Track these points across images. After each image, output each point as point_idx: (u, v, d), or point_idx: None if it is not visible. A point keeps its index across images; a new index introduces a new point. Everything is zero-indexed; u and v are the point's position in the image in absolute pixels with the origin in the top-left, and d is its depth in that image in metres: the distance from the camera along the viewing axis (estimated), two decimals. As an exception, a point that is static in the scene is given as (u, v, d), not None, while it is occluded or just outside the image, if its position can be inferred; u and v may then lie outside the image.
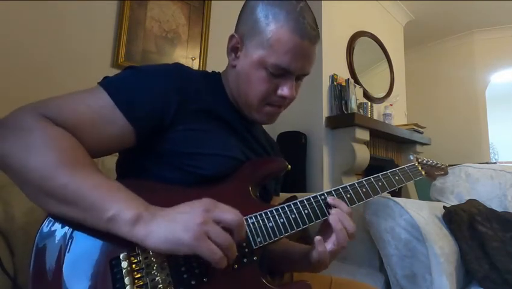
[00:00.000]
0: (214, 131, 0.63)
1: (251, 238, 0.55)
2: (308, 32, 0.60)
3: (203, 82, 0.66)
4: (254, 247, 0.55)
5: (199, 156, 0.59)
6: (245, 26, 0.64)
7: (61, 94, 0.55)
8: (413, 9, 3.47)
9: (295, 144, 2.33)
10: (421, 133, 2.99)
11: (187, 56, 1.98)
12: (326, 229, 0.61)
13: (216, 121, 0.64)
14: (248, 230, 0.55)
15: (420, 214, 1.09)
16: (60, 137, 0.49)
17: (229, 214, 0.48)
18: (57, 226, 0.49)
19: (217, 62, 2.02)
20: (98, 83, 0.57)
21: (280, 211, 0.59)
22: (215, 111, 0.64)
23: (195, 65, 2.01)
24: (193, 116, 0.61)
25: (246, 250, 0.54)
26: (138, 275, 0.47)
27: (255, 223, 0.56)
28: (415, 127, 2.89)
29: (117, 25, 1.70)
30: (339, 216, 0.59)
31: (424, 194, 2.07)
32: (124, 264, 0.47)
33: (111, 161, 0.67)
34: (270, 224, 0.57)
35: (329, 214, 0.60)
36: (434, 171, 0.87)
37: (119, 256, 0.48)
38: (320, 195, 0.62)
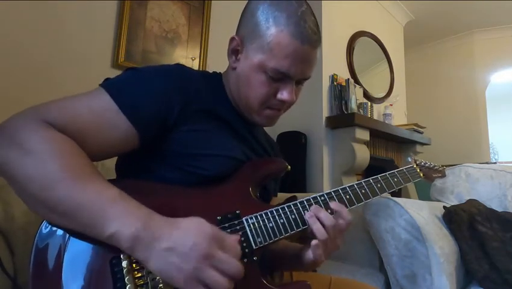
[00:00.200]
0: (214, 131, 0.63)
1: (251, 239, 0.55)
2: (308, 36, 0.59)
3: (204, 83, 0.65)
4: (254, 248, 0.55)
5: (200, 157, 0.59)
6: (246, 28, 0.64)
7: (61, 94, 0.54)
8: (413, 9, 3.47)
9: (295, 144, 2.33)
10: (421, 133, 2.99)
11: (187, 56, 1.98)
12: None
13: (217, 122, 0.64)
14: (248, 231, 0.56)
15: (420, 214, 1.09)
16: (61, 145, 0.47)
17: (229, 264, 0.45)
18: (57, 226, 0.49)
19: (217, 62, 2.02)
20: (100, 85, 0.56)
21: (281, 211, 0.59)
22: (216, 111, 0.64)
23: (195, 65, 2.01)
24: (195, 116, 0.60)
25: (246, 250, 0.54)
26: (139, 274, 0.48)
27: (255, 223, 0.56)
28: (415, 127, 2.89)
29: (117, 25, 1.70)
30: (314, 212, 0.58)
31: (424, 194, 2.07)
32: (124, 263, 0.47)
33: (111, 161, 0.67)
34: (271, 225, 0.57)
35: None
36: (432, 173, 0.87)
37: (119, 256, 0.48)
38: (320, 196, 0.62)
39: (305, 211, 0.60)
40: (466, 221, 1.15)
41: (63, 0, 1.51)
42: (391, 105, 2.95)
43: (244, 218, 0.56)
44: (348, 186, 0.65)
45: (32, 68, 1.41)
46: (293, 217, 0.59)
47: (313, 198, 0.62)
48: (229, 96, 0.69)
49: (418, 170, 0.81)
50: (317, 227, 0.57)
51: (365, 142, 2.36)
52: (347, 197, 0.64)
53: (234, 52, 0.66)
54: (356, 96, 2.43)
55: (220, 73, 0.74)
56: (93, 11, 1.61)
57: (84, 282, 0.47)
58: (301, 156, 2.32)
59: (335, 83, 2.39)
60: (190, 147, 0.59)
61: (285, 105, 0.66)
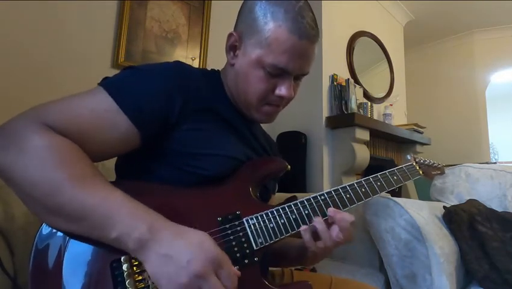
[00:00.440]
0: (214, 131, 0.63)
1: (252, 239, 0.55)
2: (306, 31, 0.59)
3: (203, 80, 0.65)
4: (255, 248, 0.55)
5: (200, 157, 0.59)
6: (244, 24, 0.64)
7: (61, 94, 0.54)
8: (413, 9, 3.47)
9: (295, 144, 2.33)
10: (421, 133, 2.99)
11: (186, 56, 1.98)
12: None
13: (216, 120, 0.64)
14: (249, 231, 0.56)
15: (420, 214, 1.09)
16: (62, 148, 0.47)
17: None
18: (57, 226, 0.49)
19: (217, 62, 2.01)
20: (98, 84, 0.56)
21: (281, 211, 0.59)
22: (216, 109, 0.64)
23: (195, 65, 2.01)
24: (195, 115, 0.60)
25: (247, 251, 0.54)
26: (140, 277, 0.47)
27: (256, 224, 0.56)
28: (415, 127, 2.89)
29: (117, 25, 1.69)
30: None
31: (424, 194, 2.07)
32: (125, 267, 0.47)
33: (111, 161, 0.67)
34: (271, 225, 0.57)
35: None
36: (431, 171, 0.87)
37: (120, 259, 0.47)
38: (320, 195, 0.62)
39: (305, 211, 0.60)
40: (466, 221, 1.15)
41: (63, 0, 1.51)
42: (391, 105, 2.95)
43: (244, 219, 0.56)
44: (348, 185, 0.65)
45: (32, 68, 1.41)
46: (294, 217, 0.59)
47: (313, 198, 0.62)
48: (227, 93, 0.69)
49: (417, 168, 0.81)
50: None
51: (365, 142, 2.36)
52: (348, 196, 0.64)
53: (232, 48, 0.66)
54: (356, 96, 2.43)
55: (218, 70, 0.73)
56: (93, 11, 1.61)
57: (84, 283, 0.46)
58: (301, 156, 2.32)
59: (335, 83, 2.39)
60: (189, 146, 0.59)
61: (284, 101, 0.66)
